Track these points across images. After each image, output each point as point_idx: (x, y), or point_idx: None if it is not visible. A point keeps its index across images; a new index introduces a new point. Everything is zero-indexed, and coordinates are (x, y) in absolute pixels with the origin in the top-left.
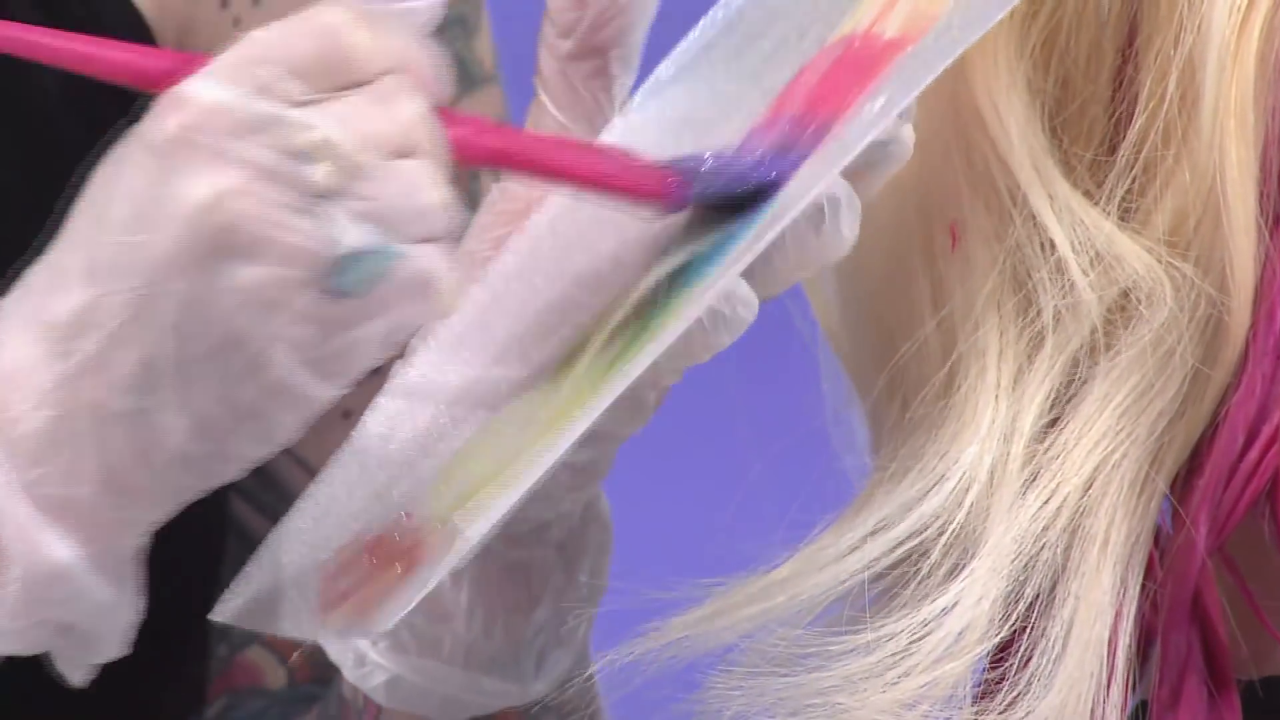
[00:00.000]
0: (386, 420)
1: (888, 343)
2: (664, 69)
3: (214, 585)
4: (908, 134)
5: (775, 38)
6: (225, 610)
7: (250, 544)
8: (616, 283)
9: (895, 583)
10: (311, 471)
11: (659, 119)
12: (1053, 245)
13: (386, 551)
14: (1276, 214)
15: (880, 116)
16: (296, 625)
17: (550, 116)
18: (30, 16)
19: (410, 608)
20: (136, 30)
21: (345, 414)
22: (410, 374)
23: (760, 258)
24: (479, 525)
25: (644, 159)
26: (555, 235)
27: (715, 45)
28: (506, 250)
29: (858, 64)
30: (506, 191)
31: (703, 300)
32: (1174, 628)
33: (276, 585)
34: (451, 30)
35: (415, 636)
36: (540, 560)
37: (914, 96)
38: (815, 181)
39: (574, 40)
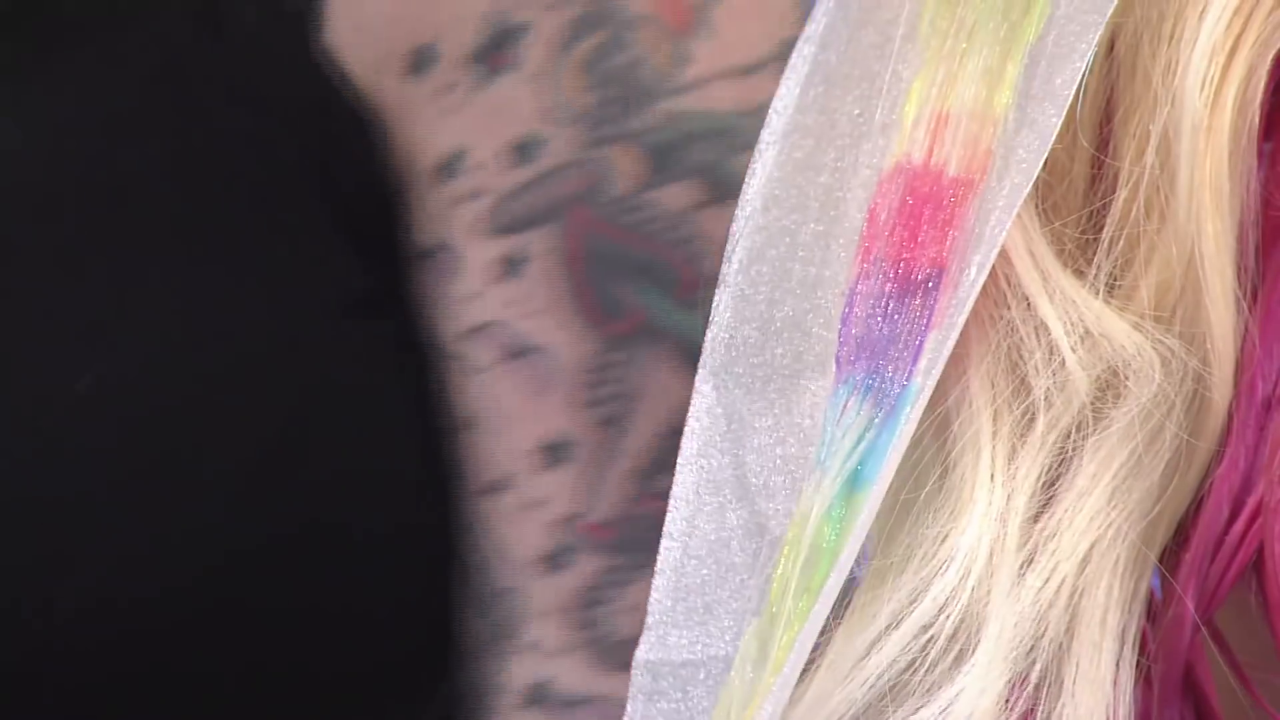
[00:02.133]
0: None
1: None
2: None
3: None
4: None
5: (830, 166)
6: None
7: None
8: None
9: (901, 673)
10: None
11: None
12: (1046, 326)
13: None
14: (1255, 287)
15: (977, 279)
16: None
17: None
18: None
19: None
20: (319, 82)
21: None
22: (639, 652)
23: None
24: None
25: None
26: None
27: (778, 182)
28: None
29: (931, 205)
30: None
31: (875, 505)
32: (1167, 704)
33: None
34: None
35: None
36: None
37: (995, 252)
38: (940, 354)
39: None
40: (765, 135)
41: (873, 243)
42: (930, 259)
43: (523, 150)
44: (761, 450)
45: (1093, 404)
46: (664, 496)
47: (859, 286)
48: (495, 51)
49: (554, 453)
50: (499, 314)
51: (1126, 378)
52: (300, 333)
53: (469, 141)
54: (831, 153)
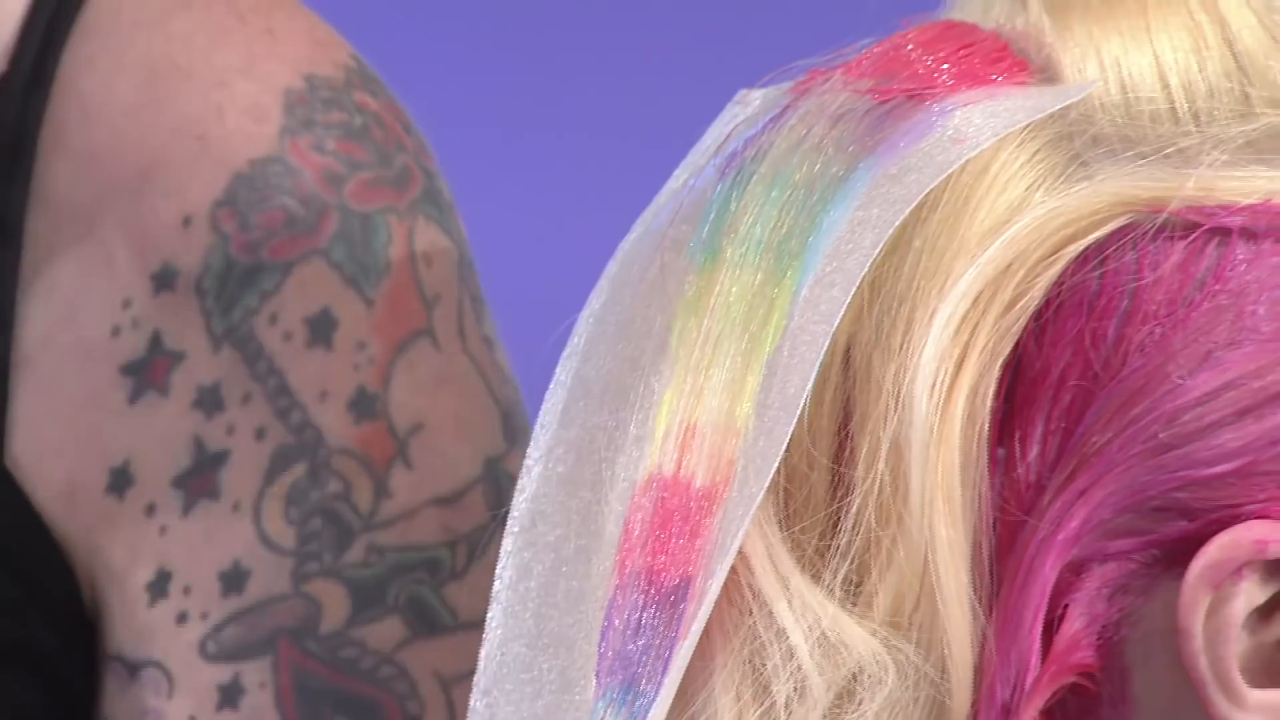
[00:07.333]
0: None
1: None
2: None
3: None
4: None
5: (590, 481)
6: None
7: None
8: None
9: None
10: None
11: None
12: (785, 632)
13: None
14: (990, 594)
15: (714, 588)
16: None
17: None
18: None
19: None
20: (33, 532)
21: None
22: None
23: None
24: None
25: None
26: None
27: (543, 498)
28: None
29: (680, 516)
30: None
31: None
32: None
33: None
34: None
35: None
36: None
37: (730, 561)
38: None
39: None
40: (532, 451)
41: (628, 556)
42: (680, 570)
43: (229, 579)
44: None
45: (834, 710)
46: None
47: (616, 598)
48: (194, 478)
49: None
50: None
51: (863, 686)
52: None
53: (176, 564)
54: (589, 467)
